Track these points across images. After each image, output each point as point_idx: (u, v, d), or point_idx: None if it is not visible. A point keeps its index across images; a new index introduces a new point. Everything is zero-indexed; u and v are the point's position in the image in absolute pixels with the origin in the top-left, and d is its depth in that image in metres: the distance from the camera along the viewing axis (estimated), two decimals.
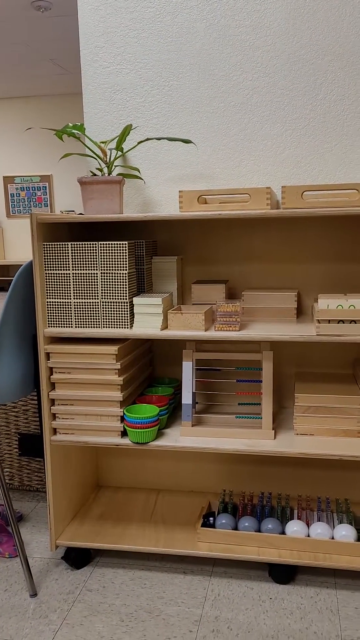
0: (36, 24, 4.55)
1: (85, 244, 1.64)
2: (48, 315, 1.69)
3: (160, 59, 1.86)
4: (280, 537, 1.70)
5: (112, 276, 1.64)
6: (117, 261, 1.63)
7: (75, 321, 1.68)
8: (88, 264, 1.65)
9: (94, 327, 1.68)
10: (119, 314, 1.65)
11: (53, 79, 6.03)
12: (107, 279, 1.65)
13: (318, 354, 1.91)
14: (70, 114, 6.57)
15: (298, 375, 1.88)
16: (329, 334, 1.54)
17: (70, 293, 1.67)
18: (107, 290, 1.65)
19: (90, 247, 1.64)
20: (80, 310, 1.68)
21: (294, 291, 1.78)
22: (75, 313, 1.68)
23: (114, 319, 1.66)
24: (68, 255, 1.66)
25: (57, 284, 1.67)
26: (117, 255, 1.63)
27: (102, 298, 1.66)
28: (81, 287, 1.66)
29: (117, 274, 1.64)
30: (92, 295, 1.66)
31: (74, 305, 1.68)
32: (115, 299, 1.65)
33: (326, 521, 1.77)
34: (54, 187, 6.61)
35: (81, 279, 1.66)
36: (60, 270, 1.67)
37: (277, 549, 1.71)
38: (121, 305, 1.65)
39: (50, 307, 1.69)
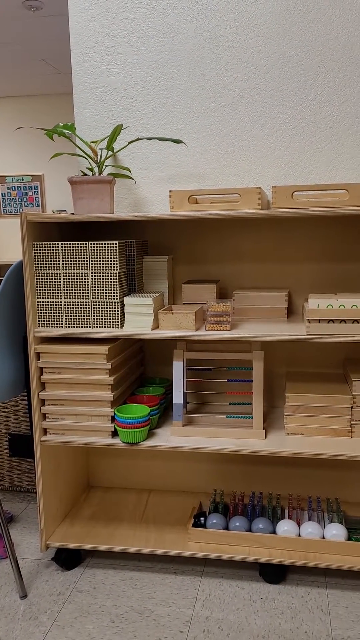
0: (28, 23, 4.54)
1: (75, 244, 1.64)
2: (38, 315, 1.69)
3: (151, 59, 1.86)
4: (271, 536, 1.70)
5: (102, 276, 1.64)
6: (108, 261, 1.63)
7: (66, 321, 1.68)
8: (78, 263, 1.65)
9: (84, 327, 1.67)
10: (110, 313, 1.65)
11: (45, 79, 6.02)
12: (97, 278, 1.64)
13: (308, 354, 1.92)
14: (62, 114, 6.55)
15: (289, 374, 1.89)
16: (319, 333, 1.54)
17: (60, 293, 1.67)
18: (97, 290, 1.65)
19: (80, 246, 1.64)
20: (70, 310, 1.67)
21: (285, 291, 1.78)
22: (65, 313, 1.67)
23: (104, 318, 1.66)
24: (58, 255, 1.65)
25: (47, 284, 1.67)
26: (108, 255, 1.63)
27: (92, 298, 1.66)
28: (71, 287, 1.66)
29: (108, 273, 1.64)
30: (83, 295, 1.66)
31: (65, 305, 1.67)
32: (106, 298, 1.65)
33: (317, 520, 1.78)
34: (45, 187, 6.59)
35: (71, 279, 1.66)
36: (51, 269, 1.66)
37: (268, 548, 1.71)
38: (112, 305, 1.65)
39: (40, 307, 1.68)
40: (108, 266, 1.63)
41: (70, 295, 1.66)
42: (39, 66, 5.59)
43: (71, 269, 1.65)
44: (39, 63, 5.51)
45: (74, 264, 1.65)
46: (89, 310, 1.66)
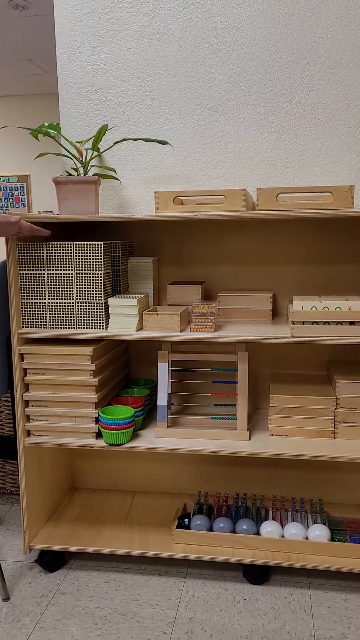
0: (14, 23, 4.51)
1: (60, 244, 1.63)
2: (22, 316, 1.68)
3: (137, 60, 1.86)
4: (254, 537, 1.71)
5: (87, 276, 1.64)
6: (92, 261, 1.62)
7: (50, 322, 1.67)
8: (63, 264, 1.64)
9: (68, 327, 1.67)
10: (94, 314, 1.65)
11: (31, 79, 5.99)
12: (82, 279, 1.64)
13: (293, 355, 1.93)
14: (48, 114, 6.53)
15: (273, 376, 1.89)
16: (303, 335, 1.55)
17: (44, 293, 1.66)
18: (82, 290, 1.64)
19: (65, 247, 1.63)
20: (54, 311, 1.66)
21: (270, 293, 1.79)
22: (49, 313, 1.67)
23: (89, 319, 1.65)
24: (43, 255, 1.64)
25: (31, 284, 1.66)
26: (92, 256, 1.62)
27: (77, 299, 1.65)
28: (56, 288, 1.65)
29: (92, 274, 1.63)
30: (67, 296, 1.65)
31: (49, 305, 1.66)
32: (91, 299, 1.64)
33: (300, 521, 1.78)
34: (31, 188, 6.56)
35: (56, 280, 1.65)
36: (35, 270, 1.65)
37: (252, 549, 1.71)
38: (96, 306, 1.64)
39: (24, 308, 1.67)
40: (93, 267, 1.63)
41: (54, 296, 1.66)
42: (26, 66, 5.57)
43: (56, 270, 1.64)
44: (25, 63, 5.48)
45: (58, 264, 1.64)
46: (73, 311, 1.66)
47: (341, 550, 1.67)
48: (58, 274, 1.64)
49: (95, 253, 1.62)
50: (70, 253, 1.63)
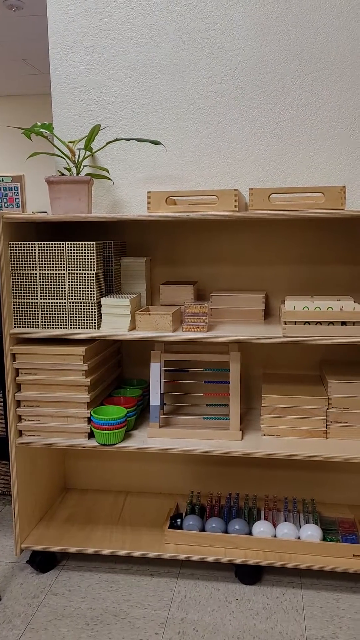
0: (8, 23, 4.50)
1: (52, 244, 1.63)
2: (14, 316, 1.67)
3: (130, 60, 1.86)
4: (246, 537, 1.71)
5: (79, 276, 1.63)
6: (85, 261, 1.62)
7: (42, 322, 1.67)
8: (55, 264, 1.63)
9: (60, 327, 1.66)
10: (87, 314, 1.64)
11: (26, 79, 5.98)
12: (74, 279, 1.64)
13: (285, 356, 1.93)
14: (43, 114, 6.52)
15: (265, 376, 1.89)
16: (295, 335, 1.55)
17: (36, 293, 1.66)
18: (74, 290, 1.64)
19: (57, 247, 1.63)
20: (47, 311, 1.66)
21: (262, 293, 1.79)
22: (41, 313, 1.66)
23: (81, 319, 1.65)
24: (35, 255, 1.64)
25: (23, 284, 1.66)
26: (85, 256, 1.62)
27: (69, 298, 1.65)
28: (48, 288, 1.65)
29: (85, 274, 1.63)
30: (59, 296, 1.65)
31: (41, 305, 1.66)
32: (83, 299, 1.64)
33: (292, 521, 1.79)
34: (26, 188, 6.55)
35: (48, 279, 1.64)
36: (27, 270, 1.65)
37: (244, 549, 1.71)
38: (88, 306, 1.64)
39: (16, 308, 1.67)
40: (85, 267, 1.62)
41: (46, 296, 1.65)
42: (20, 66, 5.56)
43: (48, 270, 1.64)
44: (20, 63, 5.47)
45: (50, 264, 1.64)
46: (65, 311, 1.65)
47: (333, 550, 1.67)
48: (50, 273, 1.64)
49: (88, 253, 1.62)
50: (63, 253, 1.63)
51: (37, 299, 1.66)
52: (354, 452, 1.60)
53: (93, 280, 1.63)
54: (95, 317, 1.64)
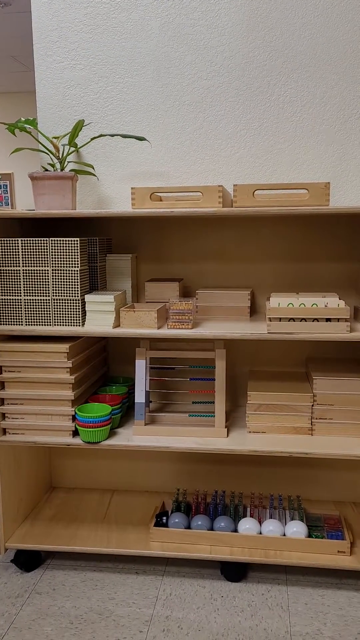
0: None
1: (35, 241, 1.61)
2: None
3: (115, 56, 1.85)
4: (232, 535, 1.70)
5: (63, 273, 1.62)
6: (69, 258, 1.61)
7: (26, 319, 1.65)
8: (39, 260, 1.62)
9: (44, 324, 1.65)
10: (71, 311, 1.63)
11: (15, 76, 5.94)
12: (58, 276, 1.62)
13: (271, 353, 1.93)
14: (32, 111, 6.49)
15: (251, 373, 1.89)
16: (280, 332, 1.55)
17: (20, 290, 1.64)
18: (58, 287, 1.63)
19: (41, 243, 1.61)
20: (30, 308, 1.65)
21: (248, 290, 1.79)
22: (25, 310, 1.65)
23: (65, 316, 1.64)
24: (18, 252, 1.62)
25: (6, 281, 1.64)
26: (69, 252, 1.61)
27: (53, 295, 1.63)
28: (32, 284, 1.63)
29: (69, 271, 1.62)
30: (43, 293, 1.63)
31: (24, 302, 1.65)
32: (67, 296, 1.63)
33: (278, 518, 1.78)
34: (15, 186, 6.51)
35: (32, 276, 1.63)
36: (10, 266, 1.63)
37: (230, 547, 1.71)
38: (73, 303, 1.63)
39: None
40: (69, 264, 1.61)
41: (30, 293, 1.64)
42: (9, 63, 5.52)
43: (31, 266, 1.63)
44: (9, 60, 5.44)
45: (34, 261, 1.62)
46: (49, 308, 1.64)
47: (318, 546, 1.67)
48: (34, 270, 1.63)
49: (72, 249, 1.60)
50: (46, 249, 1.61)
51: (20, 295, 1.64)
52: (338, 448, 1.60)
53: (77, 277, 1.61)
54: (79, 314, 1.63)
